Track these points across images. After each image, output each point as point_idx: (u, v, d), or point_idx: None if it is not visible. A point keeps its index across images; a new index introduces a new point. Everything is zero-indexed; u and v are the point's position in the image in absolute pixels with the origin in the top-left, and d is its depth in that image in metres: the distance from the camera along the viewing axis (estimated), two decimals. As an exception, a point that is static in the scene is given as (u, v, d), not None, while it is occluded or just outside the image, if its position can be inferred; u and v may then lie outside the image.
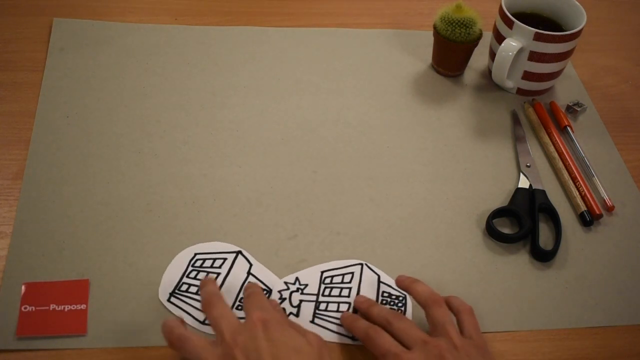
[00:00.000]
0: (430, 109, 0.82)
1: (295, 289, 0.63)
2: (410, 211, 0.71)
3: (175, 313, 0.60)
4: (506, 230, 0.70)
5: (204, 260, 0.63)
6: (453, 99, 0.84)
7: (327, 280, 0.64)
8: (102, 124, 0.74)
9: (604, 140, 0.82)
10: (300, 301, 0.62)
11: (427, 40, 0.87)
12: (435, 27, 0.83)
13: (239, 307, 0.60)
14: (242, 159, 0.73)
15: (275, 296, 0.62)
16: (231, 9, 0.93)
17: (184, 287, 0.61)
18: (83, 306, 0.59)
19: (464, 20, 0.81)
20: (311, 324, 0.60)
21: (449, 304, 0.59)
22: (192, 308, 0.60)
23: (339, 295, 0.63)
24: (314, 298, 0.62)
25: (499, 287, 0.66)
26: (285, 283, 0.63)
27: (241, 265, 0.64)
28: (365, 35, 0.92)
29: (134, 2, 0.91)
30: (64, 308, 0.58)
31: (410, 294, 0.60)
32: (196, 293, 0.61)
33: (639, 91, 0.90)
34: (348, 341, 0.60)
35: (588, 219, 0.71)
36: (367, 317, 0.59)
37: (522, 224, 0.70)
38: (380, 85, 0.85)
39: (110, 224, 0.65)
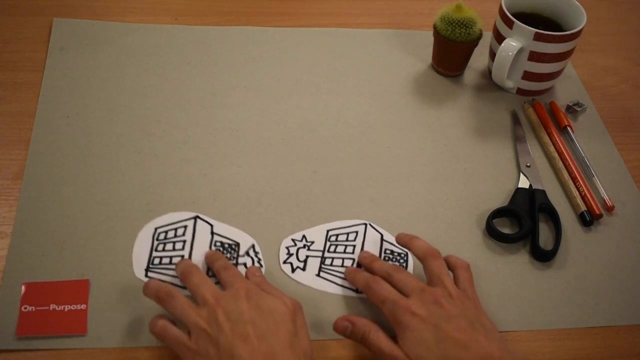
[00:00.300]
0: (430, 109, 0.82)
1: (302, 245, 0.66)
2: (410, 211, 0.71)
3: None
4: (506, 230, 0.70)
5: (166, 232, 0.65)
6: (453, 99, 0.84)
7: (333, 238, 0.67)
8: (102, 124, 0.74)
9: (604, 140, 0.82)
10: (307, 257, 0.65)
11: (427, 40, 0.87)
12: (435, 27, 0.83)
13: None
14: (242, 159, 0.73)
15: (283, 251, 0.65)
16: (231, 9, 0.93)
17: (156, 261, 0.63)
18: (83, 306, 0.59)
19: (464, 20, 0.81)
20: (317, 277, 0.64)
21: (447, 261, 0.62)
22: (169, 277, 0.62)
23: (344, 252, 0.66)
24: (319, 254, 0.66)
25: (499, 287, 0.66)
26: (293, 240, 0.66)
27: (203, 228, 0.66)
28: (365, 35, 0.92)
29: (134, 2, 0.91)
30: (64, 308, 0.58)
31: (409, 249, 0.64)
32: (169, 264, 0.63)
33: (639, 91, 0.90)
34: (352, 294, 0.63)
35: (588, 219, 0.71)
36: (369, 271, 0.62)
37: (522, 224, 0.70)
38: (380, 85, 0.85)
39: (110, 224, 0.65)
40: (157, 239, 0.64)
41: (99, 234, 0.64)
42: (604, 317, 0.64)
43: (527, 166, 0.76)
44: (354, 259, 0.65)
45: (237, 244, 0.65)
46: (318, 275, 0.64)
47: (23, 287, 0.59)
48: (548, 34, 0.77)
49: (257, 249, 0.65)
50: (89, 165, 0.70)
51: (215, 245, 0.64)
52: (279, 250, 0.66)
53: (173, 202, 0.68)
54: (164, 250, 0.63)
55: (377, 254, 0.66)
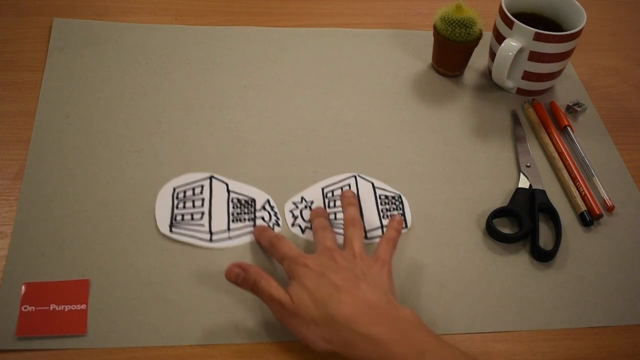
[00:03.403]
0: (430, 109, 0.82)
1: (303, 206, 0.69)
2: (410, 211, 0.71)
3: (181, 240, 0.64)
4: (506, 230, 0.70)
5: (184, 191, 0.69)
6: (453, 99, 0.84)
7: (329, 195, 0.70)
8: (102, 124, 0.74)
9: (604, 140, 0.82)
10: None
11: (427, 40, 0.87)
12: (435, 27, 0.83)
13: (233, 220, 0.67)
14: (242, 159, 0.73)
15: (288, 215, 0.68)
16: (231, 9, 0.93)
17: (179, 218, 0.66)
18: (83, 306, 0.59)
19: (464, 20, 0.81)
20: None
21: (388, 233, 0.64)
22: (194, 232, 0.65)
23: None
24: None
25: (499, 287, 0.66)
26: (294, 203, 0.69)
27: (219, 187, 0.69)
28: (365, 35, 0.92)
29: (134, 2, 0.91)
30: (64, 308, 0.58)
31: (342, 211, 0.65)
32: (191, 220, 0.66)
33: (639, 91, 0.90)
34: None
35: (588, 219, 0.71)
36: (311, 221, 0.65)
37: (522, 224, 0.70)
38: (380, 85, 0.85)
39: (110, 224, 0.65)
40: (177, 198, 0.68)
41: (99, 234, 0.64)
42: (603, 317, 0.65)
43: (527, 166, 0.76)
44: None
45: (253, 200, 0.69)
46: None
47: (23, 287, 0.59)
48: (548, 34, 0.77)
49: (273, 203, 0.69)
50: (89, 165, 0.70)
51: (232, 201, 0.68)
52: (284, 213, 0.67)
53: (173, 202, 0.68)
54: (184, 208, 0.67)
55: (373, 200, 0.70)
